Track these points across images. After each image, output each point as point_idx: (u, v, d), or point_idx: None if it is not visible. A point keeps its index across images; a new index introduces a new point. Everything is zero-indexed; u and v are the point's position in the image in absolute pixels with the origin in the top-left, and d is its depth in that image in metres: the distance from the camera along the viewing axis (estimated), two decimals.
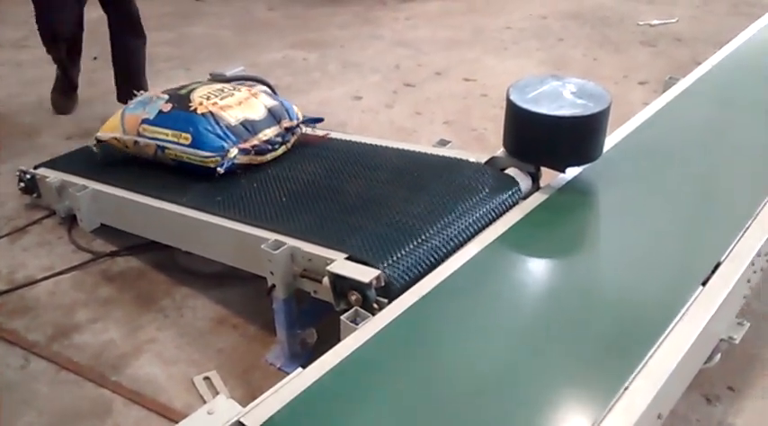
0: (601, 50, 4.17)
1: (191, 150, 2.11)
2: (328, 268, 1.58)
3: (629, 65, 3.92)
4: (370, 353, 1.36)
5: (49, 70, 3.46)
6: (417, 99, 3.46)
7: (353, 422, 1.20)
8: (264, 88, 2.52)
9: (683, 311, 1.46)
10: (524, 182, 1.96)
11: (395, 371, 1.32)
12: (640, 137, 2.21)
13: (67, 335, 2.03)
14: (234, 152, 2.11)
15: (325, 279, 1.59)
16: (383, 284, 1.53)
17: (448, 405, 1.24)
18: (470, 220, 1.78)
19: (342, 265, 1.58)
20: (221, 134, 2.12)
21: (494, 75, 3.75)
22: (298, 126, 2.33)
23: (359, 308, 1.50)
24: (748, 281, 1.74)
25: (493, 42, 4.25)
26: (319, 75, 3.78)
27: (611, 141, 2.15)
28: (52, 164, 2.58)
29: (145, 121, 2.20)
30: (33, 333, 2.04)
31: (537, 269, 1.64)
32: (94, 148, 2.40)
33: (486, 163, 2.03)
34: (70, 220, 2.48)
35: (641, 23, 4.60)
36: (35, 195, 2.59)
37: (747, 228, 1.74)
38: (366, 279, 1.51)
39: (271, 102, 2.33)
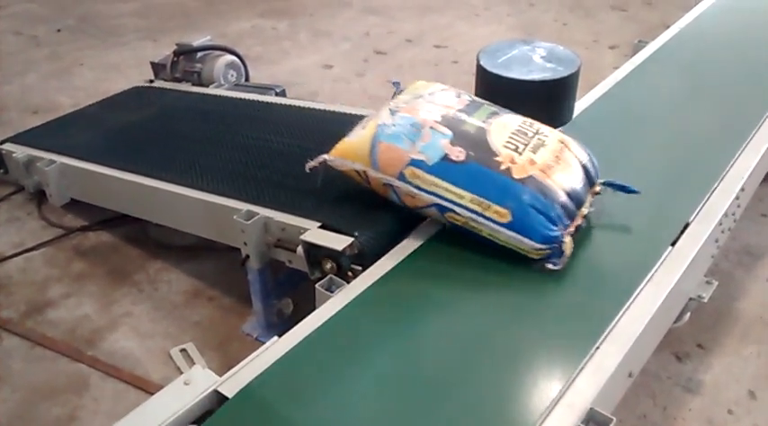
0: (571, 15, 4.16)
1: (508, 233, 1.45)
2: (302, 237, 1.57)
3: (600, 29, 3.92)
4: (345, 320, 1.37)
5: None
6: (389, 67, 3.44)
7: (330, 389, 1.21)
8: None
9: (652, 271, 1.49)
10: None
11: (370, 337, 1.33)
12: (610, 101, 2.22)
13: (41, 311, 2.01)
14: (569, 244, 1.48)
15: (300, 248, 1.59)
16: (357, 251, 1.53)
17: (425, 370, 1.25)
18: None
19: (315, 234, 1.58)
20: (553, 217, 1.46)
21: (465, 42, 3.73)
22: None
23: (333, 276, 1.50)
24: (716, 241, 1.78)
25: (464, 8, 4.22)
26: (289, 44, 3.74)
27: (581, 105, 2.16)
28: (18, 138, 2.53)
29: (417, 165, 1.49)
30: (6, 310, 2.02)
31: None
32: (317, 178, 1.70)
33: None
34: (39, 196, 2.45)
35: None
36: (2, 171, 2.54)
37: (715, 189, 1.76)
38: (340, 247, 1.51)
39: (583, 155, 1.63)
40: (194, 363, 1.77)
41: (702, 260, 1.69)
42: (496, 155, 1.48)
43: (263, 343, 1.29)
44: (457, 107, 1.60)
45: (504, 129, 1.55)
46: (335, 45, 3.69)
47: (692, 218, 1.66)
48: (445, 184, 1.47)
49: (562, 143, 1.59)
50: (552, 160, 1.53)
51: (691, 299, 1.66)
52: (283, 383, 1.23)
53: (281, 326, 1.78)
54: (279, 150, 2.04)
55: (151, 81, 2.90)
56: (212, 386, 1.20)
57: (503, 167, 1.47)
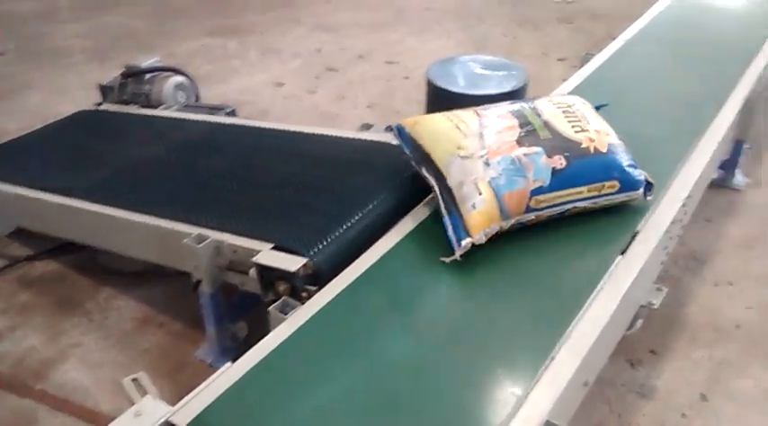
0: (520, 29, 4.23)
1: (621, 196, 1.64)
2: (254, 259, 1.55)
3: (548, 42, 3.99)
4: (300, 343, 1.35)
5: None
6: (340, 83, 3.44)
7: (284, 414, 1.19)
8: None
9: (603, 280, 1.50)
10: None
11: (325, 359, 1.31)
12: None
13: None
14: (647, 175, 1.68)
15: (252, 271, 1.57)
16: (311, 272, 1.52)
17: (381, 389, 1.24)
18: (396, 202, 1.79)
19: (268, 255, 1.56)
20: (635, 163, 1.67)
21: (416, 57, 3.75)
22: None
23: (288, 298, 1.48)
24: (665, 248, 1.81)
25: (414, 24, 4.26)
26: (239, 62, 3.71)
27: None
28: None
29: (538, 192, 1.55)
30: None
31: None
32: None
33: None
34: None
35: (558, 1, 4.68)
36: None
37: (662, 198, 1.80)
38: (293, 268, 1.49)
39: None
40: (146, 393, 1.73)
41: (652, 267, 1.72)
42: (580, 144, 1.60)
43: (217, 369, 1.27)
44: (514, 123, 1.63)
45: (557, 118, 1.65)
46: (286, 62, 3.69)
47: (640, 227, 1.69)
48: (565, 192, 1.57)
49: (584, 104, 1.75)
50: (600, 121, 1.70)
51: (642, 306, 1.69)
52: (237, 410, 1.20)
53: (235, 351, 1.76)
54: (229, 171, 2.02)
55: (99, 104, 2.85)
56: (164, 417, 1.17)
57: (591, 150, 1.60)
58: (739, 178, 2.70)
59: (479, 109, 1.69)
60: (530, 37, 4.10)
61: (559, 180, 1.55)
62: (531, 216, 1.57)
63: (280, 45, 3.90)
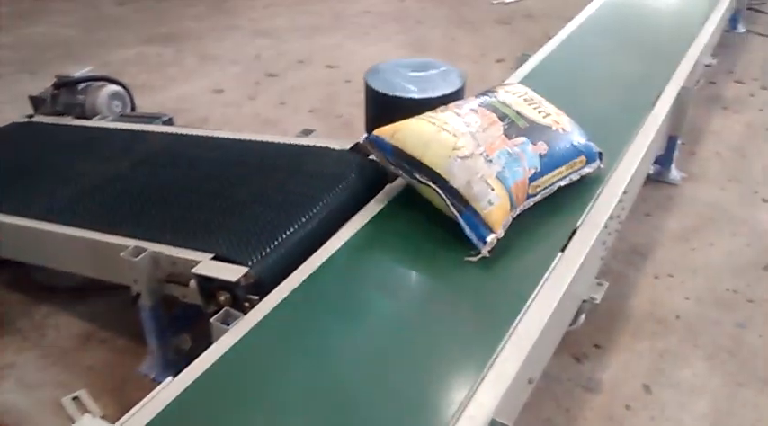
0: (459, 30, 4.27)
1: (587, 168, 1.79)
2: (194, 270, 1.52)
3: (486, 43, 4.04)
4: (243, 353, 1.33)
5: None
6: (281, 89, 3.41)
7: None
8: None
9: (544, 278, 1.52)
10: None
11: (269, 368, 1.29)
12: None
13: None
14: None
15: (192, 282, 1.54)
16: (252, 281, 1.50)
17: (327, 396, 1.23)
18: (338, 208, 1.77)
19: (208, 266, 1.53)
20: (587, 135, 1.82)
21: (356, 61, 3.75)
22: None
23: (229, 309, 1.46)
24: (604, 243, 1.84)
25: (353, 27, 4.25)
26: (176, 70, 3.64)
27: None
28: None
29: (534, 178, 1.65)
30: None
31: (406, 250, 1.65)
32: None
33: (351, 149, 2.02)
34: None
35: (495, 2, 4.74)
36: None
37: (599, 195, 1.83)
38: (234, 278, 1.47)
39: None
40: (87, 411, 1.67)
41: (592, 263, 1.75)
42: (550, 127, 1.73)
43: (161, 384, 1.24)
44: (494, 118, 1.70)
45: (524, 107, 1.76)
46: (225, 69, 3.63)
47: (579, 224, 1.71)
48: (551, 174, 1.69)
49: (532, 91, 1.87)
50: (550, 104, 1.83)
51: (584, 301, 1.71)
52: (179, 424, 1.18)
53: (179, 364, 1.71)
54: (167, 181, 1.97)
55: (30, 116, 2.76)
56: None
57: (560, 131, 1.74)
58: (674, 173, 2.77)
59: (454, 109, 1.71)
60: (468, 38, 4.14)
61: (546, 164, 1.66)
62: (531, 202, 1.66)
63: (218, 51, 3.84)
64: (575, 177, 1.77)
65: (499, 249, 1.60)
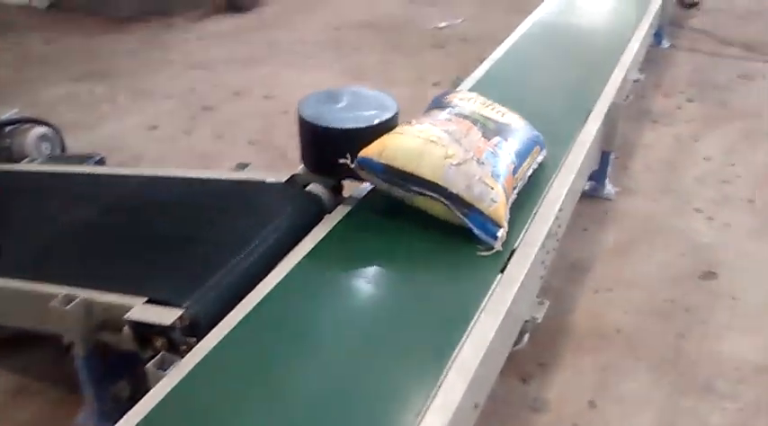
0: (395, 56, 4.30)
1: (541, 156, 2.00)
2: (126, 316, 1.48)
3: (422, 67, 4.08)
4: (181, 398, 1.29)
5: None
6: (217, 121, 3.37)
7: None
8: None
9: (485, 300, 1.53)
10: (326, 197, 1.96)
11: (209, 413, 1.26)
12: None
13: None
14: None
15: (126, 329, 1.49)
16: (188, 323, 1.46)
17: None
18: (275, 242, 1.75)
19: (141, 310, 1.49)
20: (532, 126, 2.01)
21: (293, 91, 3.69)
22: None
23: (166, 353, 1.42)
24: (543, 263, 1.87)
25: (290, 57, 4.25)
26: (109, 107, 3.57)
27: None
28: None
29: (515, 171, 1.80)
30: None
31: (345, 282, 1.65)
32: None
33: (287, 181, 2.01)
34: None
35: (430, 27, 4.81)
36: None
37: (536, 214, 1.85)
38: (168, 322, 1.43)
39: None
40: None
41: (532, 282, 1.77)
42: (510, 124, 1.90)
43: None
44: (469, 124, 1.82)
45: (485, 110, 1.92)
46: (159, 104, 3.58)
47: (517, 244, 1.73)
48: (523, 166, 1.85)
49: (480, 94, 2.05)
50: (497, 104, 2.00)
51: (526, 321, 1.73)
52: None
53: (118, 413, 1.66)
54: (98, 223, 1.92)
55: None
56: None
57: (518, 127, 1.92)
58: (609, 188, 2.83)
59: (432, 121, 1.81)
60: (405, 63, 4.18)
61: (518, 157, 1.82)
62: (515, 194, 1.81)
63: (151, 86, 3.78)
64: (535, 166, 1.94)
65: (439, 272, 1.61)
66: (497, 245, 1.66)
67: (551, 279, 2.30)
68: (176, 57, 4.18)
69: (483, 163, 1.70)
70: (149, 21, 4.79)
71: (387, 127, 1.93)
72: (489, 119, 1.87)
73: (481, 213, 1.66)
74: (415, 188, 1.69)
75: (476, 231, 1.67)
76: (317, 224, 1.85)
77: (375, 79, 3.93)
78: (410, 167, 1.68)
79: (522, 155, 1.85)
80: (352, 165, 1.77)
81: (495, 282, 1.59)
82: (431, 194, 1.68)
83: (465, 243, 1.71)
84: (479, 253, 1.66)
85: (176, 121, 3.38)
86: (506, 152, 1.79)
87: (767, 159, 3.14)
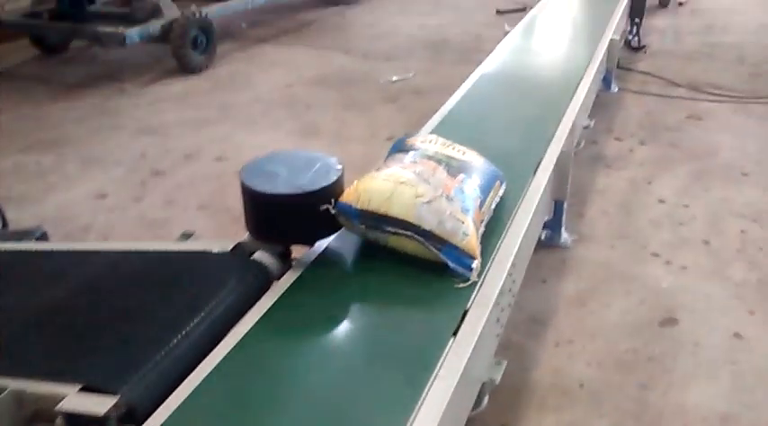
0: (348, 112, 4.31)
1: (501, 191, 2.07)
2: (58, 407, 1.39)
3: (376, 123, 4.08)
4: None
5: None
6: (168, 187, 3.31)
7: None
8: None
9: (438, 365, 1.47)
10: (273, 265, 1.90)
11: None
12: None
13: None
14: None
15: (59, 420, 1.40)
16: (124, 411, 1.37)
17: None
18: (219, 317, 1.67)
19: (74, 400, 1.40)
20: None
21: (246, 152, 3.69)
22: None
23: None
24: (498, 321, 1.82)
25: (242, 117, 4.22)
26: (56, 177, 3.48)
27: None
28: None
29: (480, 206, 1.88)
30: None
31: (294, 352, 1.58)
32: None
33: (233, 250, 1.95)
34: None
35: (382, 81, 4.84)
36: None
37: (488, 271, 1.81)
38: (102, 411, 1.34)
39: None
40: None
41: (487, 343, 1.72)
42: (471, 162, 1.99)
43: None
44: (434, 164, 1.90)
45: (446, 150, 2.01)
46: (108, 171, 3.50)
47: (469, 304, 1.69)
48: (488, 199, 1.93)
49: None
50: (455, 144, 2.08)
51: (484, 383, 1.67)
52: None
53: None
54: (30, 306, 1.81)
55: None
56: None
57: (478, 164, 2.01)
58: (565, 236, 2.82)
59: (399, 165, 1.89)
60: (358, 119, 4.18)
61: (483, 192, 1.90)
62: (483, 227, 1.89)
63: (101, 154, 3.71)
64: (498, 200, 2.02)
65: (389, 337, 1.56)
66: (473, 276, 1.73)
67: (511, 335, 2.25)
68: (126, 123, 4.13)
69: (452, 199, 1.77)
70: (100, 87, 4.74)
71: (332, 190, 1.89)
72: (452, 157, 1.95)
73: (455, 247, 1.72)
74: (390, 228, 1.75)
75: (451, 265, 1.73)
76: (264, 293, 1.79)
77: (328, 137, 3.92)
78: (383, 209, 1.75)
79: (485, 190, 1.93)
80: (333, 211, 1.82)
81: (448, 346, 1.54)
82: (405, 233, 1.73)
83: (419, 303, 1.67)
84: (456, 286, 1.71)
85: (126, 189, 3.31)
86: (471, 187, 1.87)
87: (720, 199, 3.17)
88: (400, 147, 2.05)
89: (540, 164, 2.44)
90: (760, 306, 2.42)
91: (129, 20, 4.87)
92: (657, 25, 6.36)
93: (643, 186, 3.30)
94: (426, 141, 2.05)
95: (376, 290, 1.77)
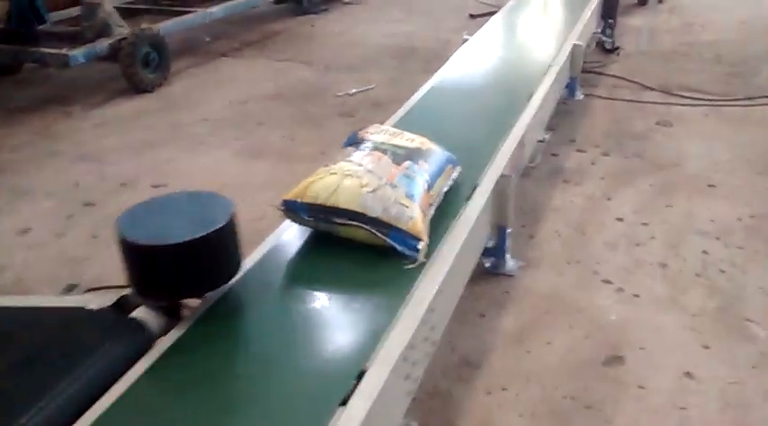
0: (300, 129, 4.11)
1: (455, 173, 2.16)
2: None
3: (328, 140, 3.87)
4: None
5: None
6: (96, 219, 3.10)
7: None
8: None
9: None
10: (156, 322, 1.70)
11: None
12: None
13: None
14: None
15: None
16: None
17: None
18: (88, 383, 1.49)
19: None
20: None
21: (187, 176, 3.51)
22: None
23: None
24: (407, 377, 1.62)
25: (189, 138, 4.02)
26: None
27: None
28: None
29: (429, 189, 1.95)
30: None
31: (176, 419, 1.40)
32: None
33: (115, 304, 1.76)
34: None
35: (340, 94, 4.64)
36: None
37: (398, 319, 1.63)
38: None
39: None
40: None
41: (390, 407, 1.52)
42: (421, 148, 2.07)
43: None
44: (379, 154, 1.96)
45: (394, 139, 2.08)
46: (37, 203, 3.30)
47: (368, 363, 1.49)
48: (437, 183, 2.01)
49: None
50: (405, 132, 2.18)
51: None
52: None
53: None
54: None
55: None
56: None
57: (429, 149, 2.09)
58: (510, 263, 2.61)
59: (346, 159, 1.94)
60: (309, 136, 3.98)
61: (432, 176, 1.98)
62: (432, 210, 1.96)
63: (33, 183, 3.50)
64: (450, 182, 2.11)
65: (266, 406, 1.38)
66: (420, 257, 1.79)
67: (439, 381, 2.05)
68: (66, 148, 3.92)
69: (396, 186, 1.85)
70: (46, 109, 4.54)
71: (219, 237, 1.70)
72: (398, 146, 2.03)
73: (401, 231, 1.79)
74: (338, 219, 1.83)
75: (398, 248, 1.79)
76: (143, 353, 1.60)
77: (275, 156, 3.72)
78: (331, 201, 1.82)
79: (435, 174, 2.00)
80: (281, 209, 1.91)
81: (335, 417, 1.35)
82: (353, 223, 1.81)
83: (303, 369, 1.48)
84: (405, 267, 1.78)
85: (51, 222, 3.10)
86: (419, 172, 1.94)
87: (683, 214, 2.97)
88: (352, 141, 2.11)
89: (475, 189, 2.25)
90: (716, 338, 2.21)
91: (78, 39, 4.68)
92: (634, 24, 6.17)
93: (602, 203, 3.09)
94: (376, 132, 2.13)
95: (265, 348, 1.59)
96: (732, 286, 2.47)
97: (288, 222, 2.01)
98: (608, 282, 2.51)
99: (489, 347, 2.21)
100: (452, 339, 2.20)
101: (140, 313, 1.71)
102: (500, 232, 2.51)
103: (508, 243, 2.56)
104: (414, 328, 1.63)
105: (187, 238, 1.64)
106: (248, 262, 1.90)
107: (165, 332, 1.70)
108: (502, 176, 2.37)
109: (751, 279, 2.50)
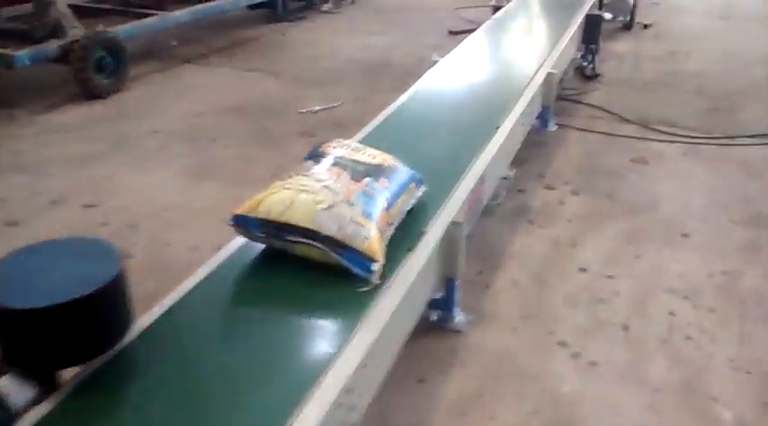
0: (256, 147, 3.87)
1: (419, 191, 2.09)
2: None
3: (285, 161, 3.61)
4: None
5: None
6: (18, 241, 2.74)
7: None
8: None
9: None
10: (21, 393, 1.45)
11: None
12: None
13: None
14: None
15: None
16: None
17: None
18: None
19: None
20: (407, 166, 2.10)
21: (123, 196, 3.25)
22: None
23: None
24: None
25: (133, 152, 3.76)
26: None
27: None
28: None
29: (388, 207, 1.88)
30: None
31: None
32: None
33: None
34: None
35: (303, 111, 4.40)
36: None
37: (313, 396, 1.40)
38: None
39: None
40: None
41: None
42: (382, 165, 1.98)
43: None
44: (338, 170, 1.89)
45: (355, 155, 1.99)
46: None
47: None
48: (399, 201, 1.94)
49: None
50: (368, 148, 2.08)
51: None
52: None
53: None
54: None
55: None
56: None
57: (391, 166, 2.00)
58: (459, 317, 2.37)
59: (303, 172, 1.88)
60: (265, 157, 3.74)
61: (393, 194, 1.91)
62: (392, 229, 1.90)
63: None
64: (413, 201, 2.05)
65: None
66: (374, 279, 1.72)
67: None
68: (2, 159, 3.65)
69: (353, 204, 1.78)
70: None
71: (101, 297, 1.45)
72: (358, 162, 1.95)
73: (355, 251, 1.72)
74: (291, 237, 1.75)
75: (353, 269, 1.72)
76: None
77: (223, 178, 3.47)
78: (284, 217, 1.74)
79: (396, 192, 1.93)
80: (231, 224, 1.82)
81: None
82: (306, 241, 1.74)
83: None
84: (359, 289, 1.71)
85: None
86: (379, 190, 1.87)
87: (651, 267, 2.75)
88: (313, 154, 2.02)
89: (421, 236, 2.03)
90: (678, 420, 1.99)
91: (27, 38, 4.41)
92: (618, 50, 5.97)
93: (566, 250, 2.87)
94: (338, 147, 2.03)
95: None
96: (699, 355, 2.25)
97: (237, 239, 1.94)
98: (564, 345, 2.29)
99: (425, 421, 1.97)
100: (385, 409, 1.97)
101: (4, 383, 1.46)
102: (448, 284, 2.28)
103: (457, 295, 2.33)
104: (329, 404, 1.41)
105: (63, 299, 1.41)
106: (168, 300, 1.74)
107: (32, 405, 1.45)
108: (453, 223, 2.14)
109: (719, 347, 2.28)
